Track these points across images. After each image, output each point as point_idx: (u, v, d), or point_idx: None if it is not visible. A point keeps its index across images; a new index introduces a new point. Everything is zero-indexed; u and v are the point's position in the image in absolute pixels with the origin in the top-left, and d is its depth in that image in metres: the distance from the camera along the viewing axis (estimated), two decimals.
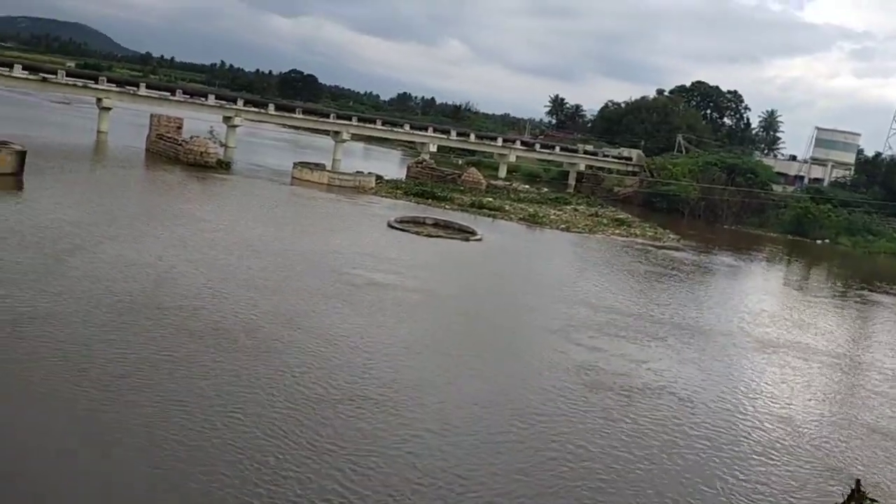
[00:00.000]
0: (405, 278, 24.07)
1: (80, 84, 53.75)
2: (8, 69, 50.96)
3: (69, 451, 10.63)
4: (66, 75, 53.62)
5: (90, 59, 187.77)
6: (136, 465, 10.51)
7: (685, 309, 26.21)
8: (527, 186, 65.10)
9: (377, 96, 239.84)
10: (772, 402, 17.49)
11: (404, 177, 57.49)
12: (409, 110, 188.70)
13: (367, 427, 12.65)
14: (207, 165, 44.46)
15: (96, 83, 54.23)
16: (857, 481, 4.50)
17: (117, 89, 54.64)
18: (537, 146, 78.51)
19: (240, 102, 60.00)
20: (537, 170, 79.93)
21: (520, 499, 11.28)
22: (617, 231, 45.22)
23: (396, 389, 14.45)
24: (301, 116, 64.66)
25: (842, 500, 4.39)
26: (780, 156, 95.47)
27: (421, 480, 11.24)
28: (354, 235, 30.80)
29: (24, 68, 52.04)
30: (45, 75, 52.50)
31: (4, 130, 41.75)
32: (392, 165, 68.83)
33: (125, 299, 17.23)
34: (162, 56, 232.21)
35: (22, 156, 31.62)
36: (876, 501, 4.41)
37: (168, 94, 57.41)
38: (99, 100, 53.83)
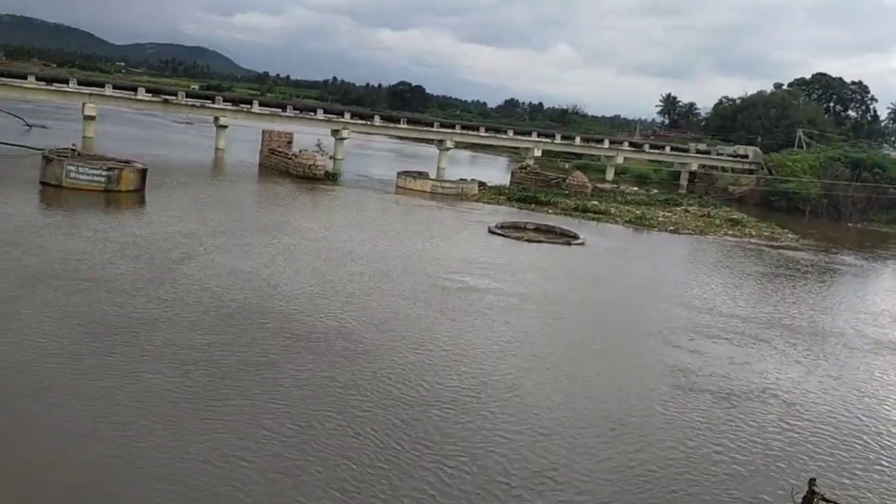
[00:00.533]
0: (500, 282, 23.92)
1: (198, 104, 56.98)
2: (133, 93, 54.77)
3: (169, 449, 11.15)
4: (186, 96, 56.88)
5: (212, 80, 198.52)
6: (232, 463, 10.91)
7: (796, 310, 24.81)
8: (635, 188, 63.68)
9: (484, 104, 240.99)
10: (879, 403, 16.37)
11: (508, 183, 57.51)
12: (516, 116, 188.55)
13: (453, 430, 12.67)
14: (316, 178, 45.96)
15: (213, 103, 57.30)
16: (812, 480, 4.05)
17: (233, 108, 57.45)
18: (646, 147, 76.66)
19: (346, 116, 61.80)
20: (647, 171, 78.06)
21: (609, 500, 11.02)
22: (730, 232, 43.43)
23: (485, 392, 14.40)
24: (405, 126, 65.82)
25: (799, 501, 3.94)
26: None
27: (507, 481, 11.15)
28: (453, 241, 31.03)
29: (147, 91, 55.66)
30: (167, 97, 55.93)
31: (131, 150, 44.78)
32: (497, 172, 68.97)
33: (229, 305, 18.01)
34: (278, 75, 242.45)
35: (143, 173, 33.72)
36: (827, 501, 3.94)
37: (279, 110, 59.85)
38: (216, 118, 56.82)
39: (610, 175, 72.42)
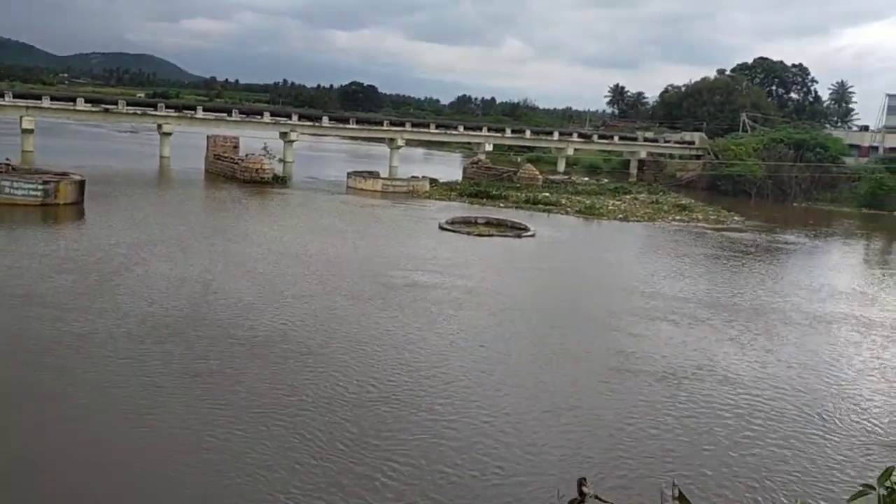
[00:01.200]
0: (448, 277, 23.92)
1: (140, 112, 55.82)
2: (72, 103, 53.46)
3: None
4: (127, 105, 55.69)
5: (158, 87, 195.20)
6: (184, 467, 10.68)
7: (737, 289, 25.26)
8: (586, 179, 64.25)
9: (437, 101, 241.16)
10: (809, 373, 16.77)
11: (460, 178, 57.55)
12: (469, 112, 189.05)
13: (394, 423, 12.59)
14: (263, 181, 45.43)
15: (156, 110, 56.21)
16: (581, 480, 4.02)
17: (176, 114, 56.41)
18: (595, 137, 77.35)
19: (294, 118, 61.11)
20: (597, 161, 78.76)
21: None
22: (678, 217, 44.06)
23: (426, 386, 14.35)
24: (355, 126, 65.40)
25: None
26: (852, 127, 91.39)
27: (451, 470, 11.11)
28: (402, 239, 30.92)
29: (86, 101, 54.36)
30: (108, 106, 54.67)
31: (73, 162, 43.74)
32: (450, 168, 69.00)
33: (168, 314, 17.67)
34: (227, 80, 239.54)
35: (81, 185, 32.95)
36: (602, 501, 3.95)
37: (225, 114, 58.92)
38: (159, 126, 55.75)
39: (561, 167, 72.86)
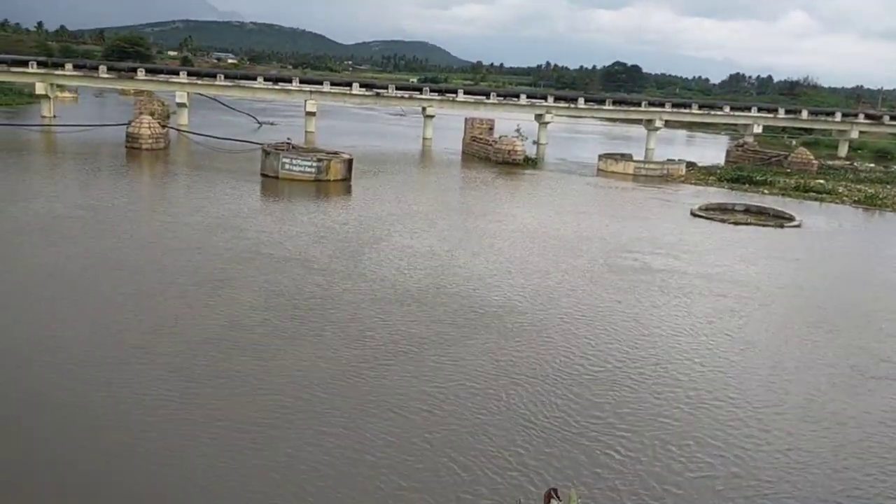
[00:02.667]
0: (689, 264, 22.82)
1: (406, 96, 59.36)
2: (348, 88, 58.47)
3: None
4: (396, 89, 59.47)
5: (430, 72, 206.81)
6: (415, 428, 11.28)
7: None
8: (871, 165, 57.30)
9: (706, 80, 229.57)
10: None
11: (723, 162, 54.15)
12: (742, 91, 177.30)
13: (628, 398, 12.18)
14: (515, 163, 46.18)
15: (421, 94, 59.44)
16: (551, 492, 3.13)
17: (438, 97, 59.18)
18: (885, 118, 68.46)
19: (550, 100, 61.37)
20: (888, 146, 69.78)
21: None
22: None
23: (639, 366, 13.67)
24: (611, 108, 63.98)
25: None
26: None
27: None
28: (647, 224, 29.73)
29: (361, 86, 59.05)
30: (379, 91, 58.90)
31: (347, 142, 47.88)
32: (713, 151, 65.12)
33: (411, 284, 18.81)
34: (492, 63, 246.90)
35: (349, 163, 35.80)
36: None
37: (483, 97, 60.74)
38: (423, 109, 58.93)
39: (843, 151, 65.78)
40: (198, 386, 12.40)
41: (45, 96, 54.56)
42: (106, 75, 55.29)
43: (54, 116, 54.07)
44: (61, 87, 63.78)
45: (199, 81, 57.29)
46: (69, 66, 55.61)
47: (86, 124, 49.86)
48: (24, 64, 54.65)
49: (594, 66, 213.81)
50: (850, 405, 13.29)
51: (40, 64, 55.19)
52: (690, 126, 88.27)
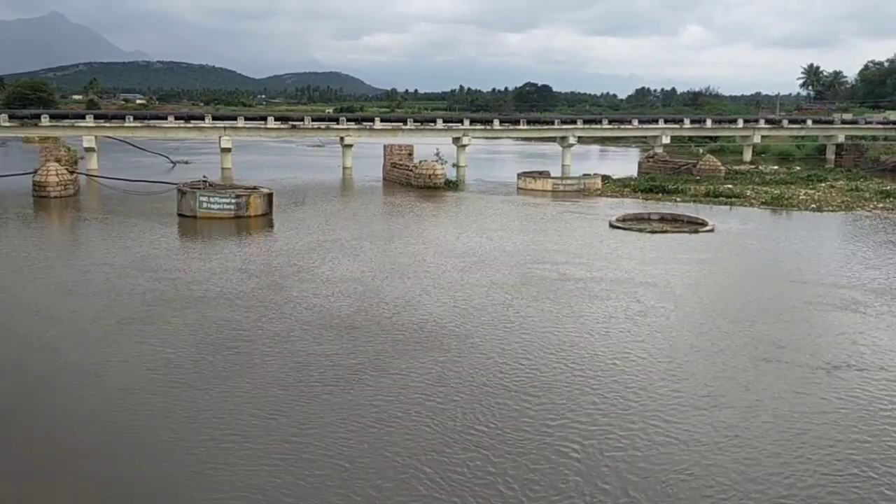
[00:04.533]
0: (605, 271, 23.76)
1: (323, 127, 59.24)
2: (263, 122, 57.95)
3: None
4: (312, 120, 59.26)
5: (345, 102, 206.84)
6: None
7: None
8: (775, 167, 60.05)
9: (614, 96, 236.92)
10: None
11: (636, 174, 55.80)
12: (648, 105, 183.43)
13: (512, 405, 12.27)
14: (436, 186, 46.49)
15: (338, 124, 59.39)
16: None
17: (356, 126, 59.23)
18: (784, 123, 72.06)
19: (466, 123, 62.25)
20: (789, 148, 73.36)
21: None
22: (881, 205, 39.92)
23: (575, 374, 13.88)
24: (525, 127, 65.35)
25: None
26: None
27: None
28: (567, 237, 30.40)
29: (276, 119, 58.58)
30: (295, 123, 58.58)
31: (266, 176, 47.35)
32: (626, 164, 67.03)
33: (338, 311, 18.63)
34: (406, 90, 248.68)
35: (270, 198, 35.36)
36: None
37: (401, 124, 61.13)
38: (342, 138, 58.83)
39: (747, 156, 68.75)
40: (124, 424, 11.93)
41: None
42: (7, 124, 53.20)
43: None
44: None
45: (107, 124, 55.77)
46: None
47: None
48: None
49: (506, 88, 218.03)
50: (733, 382, 13.84)
51: None
52: (602, 141, 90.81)
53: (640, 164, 60.58)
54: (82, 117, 56.00)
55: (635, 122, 69.94)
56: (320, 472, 10.89)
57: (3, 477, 10.80)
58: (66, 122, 55.07)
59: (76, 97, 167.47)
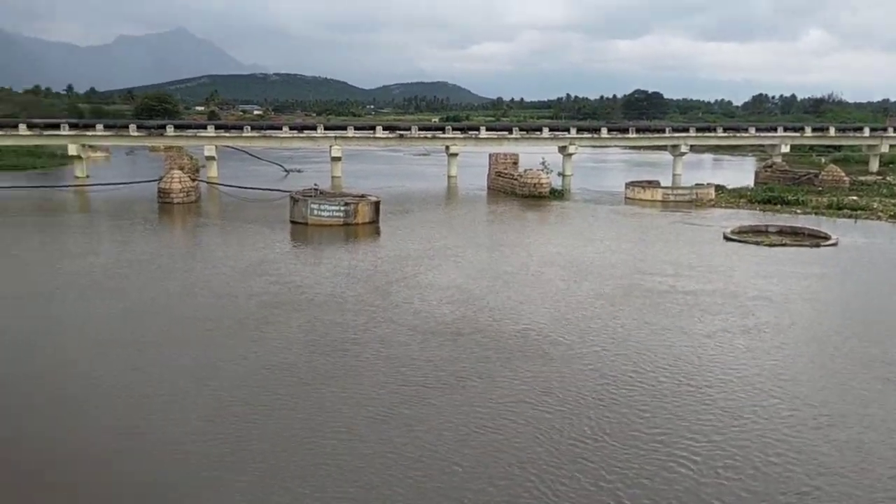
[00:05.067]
0: (711, 283, 22.92)
1: (430, 136, 59.97)
2: (371, 132, 59.26)
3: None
4: (419, 129, 60.11)
5: (451, 111, 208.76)
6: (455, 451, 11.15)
7: None
8: None
9: (729, 103, 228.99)
10: None
11: (752, 184, 53.63)
12: (766, 112, 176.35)
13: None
14: (541, 195, 46.17)
15: (444, 133, 60.02)
16: None
17: (461, 135, 59.66)
18: None
19: (573, 131, 61.55)
20: None
21: None
22: None
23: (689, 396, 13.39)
24: (635, 135, 63.94)
25: None
26: None
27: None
28: (678, 249, 29.49)
29: (384, 129, 59.78)
30: (402, 132, 59.62)
31: (373, 185, 48.36)
32: (741, 174, 64.54)
33: (440, 319, 18.78)
34: (512, 98, 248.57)
35: (377, 206, 36.07)
36: None
37: (506, 133, 61.14)
38: (447, 147, 59.38)
39: (874, 166, 64.83)
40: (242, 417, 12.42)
41: (78, 157, 55.97)
42: (136, 133, 56.64)
43: (87, 176, 55.35)
44: (93, 147, 65.42)
45: (227, 134, 58.44)
46: (100, 126, 57.09)
47: (118, 182, 50.95)
48: (56, 126, 56.23)
49: (614, 96, 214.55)
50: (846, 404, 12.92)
51: (72, 126, 56.72)
52: (716, 149, 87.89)
53: (756, 173, 58.17)
54: (204, 128, 58.88)
55: (752, 130, 67.28)
56: (427, 473, 10.96)
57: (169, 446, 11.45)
58: (189, 132, 58.05)
59: (198, 108, 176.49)
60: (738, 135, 67.02)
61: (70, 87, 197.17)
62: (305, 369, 15.41)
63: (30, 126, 56.22)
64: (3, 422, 12.91)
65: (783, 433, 12.42)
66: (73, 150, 55.69)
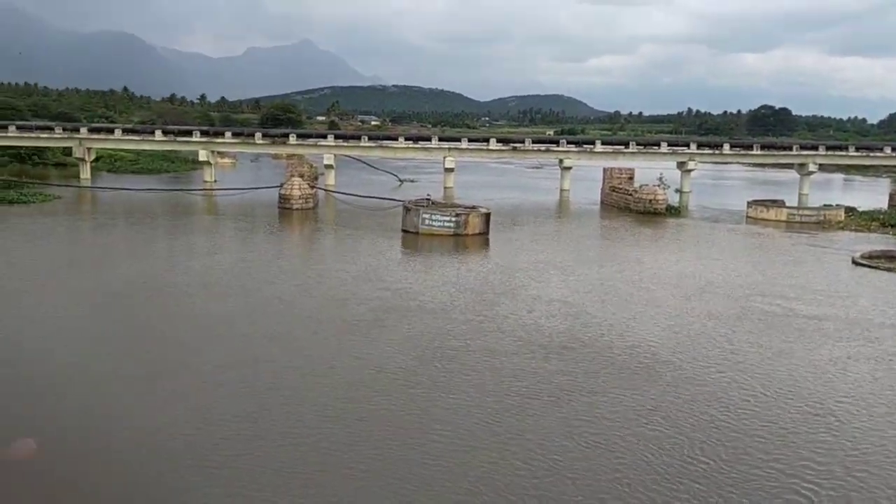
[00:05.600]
0: (833, 308, 21.85)
1: (543, 149, 59.79)
2: (485, 143, 59.86)
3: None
4: (532, 142, 60.08)
5: (566, 125, 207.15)
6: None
7: None
8: None
9: (863, 120, 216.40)
10: None
11: (886, 206, 50.36)
12: None
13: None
14: (657, 212, 45.04)
15: (557, 146, 59.68)
16: None
17: (576, 149, 59.13)
18: None
19: (692, 146, 59.80)
20: None
21: None
22: None
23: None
24: (759, 152, 61.40)
25: None
26: None
27: None
28: (801, 271, 28.10)
29: (497, 140, 60.16)
30: (515, 144, 59.75)
31: (484, 196, 48.60)
32: (874, 196, 60.81)
33: (543, 333, 18.65)
34: (630, 112, 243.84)
35: (487, 217, 36.22)
36: None
37: (622, 147, 60.09)
38: (561, 160, 58.97)
39: None
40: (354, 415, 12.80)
41: (207, 162, 59.16)
42: (261, 141, 59.35)
43: (215, 181, 58.39)
44: (221, 154, 69.00)
45: (345, 144, 60.31)
46: (228, 134, 60.28)
47: (242, 188, 53.48)
48: (189, 133, 59.75)
49: (738, 111, 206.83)
50: None
51: (203, 133, 60.14)
52: (847, 169, 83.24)
53: (891, 195, 54.45)
54: (324, 137, 60.98)
55: (888, 150, 63.23)
56: (532, 481, 10.93)
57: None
58: (310, 141, 60.28)
59: (320, 118, 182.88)
60: (871, 154, 63.18)
61: (203, 97, 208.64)
62: (413, 374, 15.69)
63: (165, 132, 60.08)
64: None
65: None
66: (203, 155, 58.92)
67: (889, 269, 29.04)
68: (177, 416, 13.28)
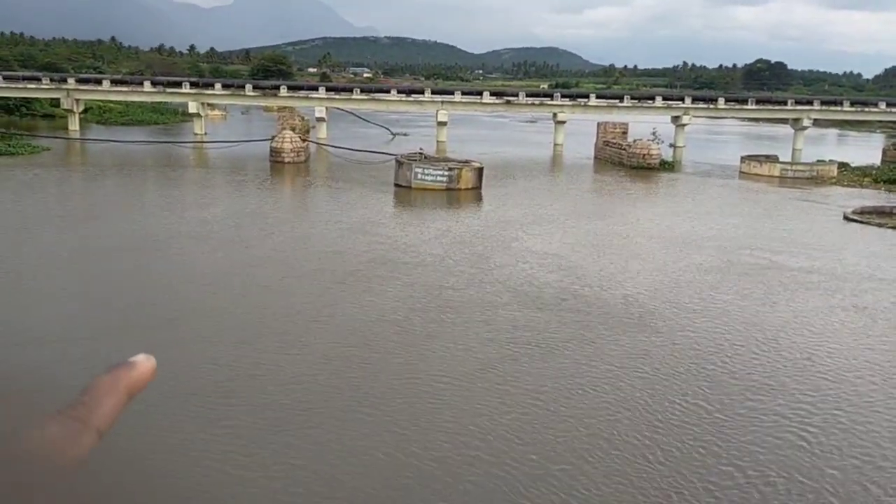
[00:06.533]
0: (819, 261, 22.16)
1: (537, 102, 59.23)
2: (479, 97, 59.13)
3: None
4: (526, 96, 59.47)
5: (561, 78, 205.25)
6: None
7: None
8: None
9: (859, 75, 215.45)
10: None
11: (879, 163, 50.41)
12: None
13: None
14: (650, 167, 44.93)
15: (552, 100, 59.13)
16: None
17: (570, 103, 58.63)
18: None
19: (687, 100, 59.39)
20: None
21: None
22: None
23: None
24: (754, 107, 61.06)
25: None
26: None
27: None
28: (791, 226, 28.28)
29: (491, 94, 59.54)
30: (509, 98, 59.20)
31: (477, 150, 48.30)
32: (868, 151, 60.71)
33: (534, 285, 18.83)
34: (625, 66, 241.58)
35: (480, 172, 36.05)
36: None
37: (616, 101, 59.62)
38: (555, 114, 58.52)
39: None
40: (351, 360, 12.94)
41: (197, 115, 58.45)
42: (251, 93, 58.60)
43: (205, 133, 57.78)
44: (211, 106, 68.14)
45: (337, 96, 59.58)
46: (218, 85, 59.39)
47: (233, 140, 52.98)
48: (178, 85, 58.87)
49: (734, 65, 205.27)
50: None
51: (192, 84, 59.26)
52: (842, 125, 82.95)
53: (884, 151, 54.61)
54: (316, 89, 60.21)
55: (882, 105, 62.95)
56: (520, 437, 11.09)
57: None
58: (302, 93, 59.55)
59: (311, 70, 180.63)
60: (866, 109, 62.93)
61: (192, 47, 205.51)
62: (410, 324, 15.87)
63: (154, 84, 59.17)
64: None
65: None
66: (192, 107, 58.17)
67: (880, 225, 29.19)
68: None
